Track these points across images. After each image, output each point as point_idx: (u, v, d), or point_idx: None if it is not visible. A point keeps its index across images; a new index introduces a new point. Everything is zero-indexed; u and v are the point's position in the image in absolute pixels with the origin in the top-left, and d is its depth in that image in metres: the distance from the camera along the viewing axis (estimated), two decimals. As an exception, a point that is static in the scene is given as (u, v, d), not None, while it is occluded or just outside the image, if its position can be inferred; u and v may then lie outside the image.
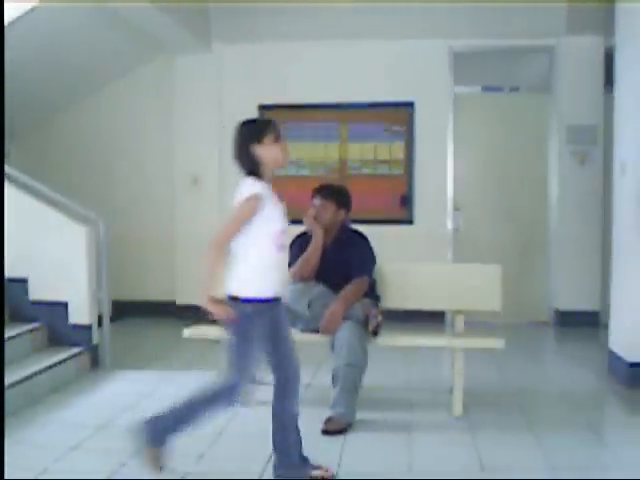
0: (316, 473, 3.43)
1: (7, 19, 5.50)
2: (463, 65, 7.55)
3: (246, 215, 3.20)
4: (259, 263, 3.22)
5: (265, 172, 3.28)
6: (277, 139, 3.28)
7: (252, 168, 3.29)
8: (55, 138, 8.02)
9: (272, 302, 3.27)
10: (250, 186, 3.22)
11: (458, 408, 4.41)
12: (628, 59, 5.31)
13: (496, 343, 4.36)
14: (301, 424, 4.19)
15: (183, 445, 3.90)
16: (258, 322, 3.23)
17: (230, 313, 3.17)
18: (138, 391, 4.98)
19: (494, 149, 7.65)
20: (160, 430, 3.29)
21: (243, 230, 3.21)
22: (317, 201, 4.51)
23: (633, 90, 5.18)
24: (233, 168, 8.26)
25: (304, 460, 3.44)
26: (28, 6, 5.69)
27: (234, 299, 3.21)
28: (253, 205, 3.17)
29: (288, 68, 7.67)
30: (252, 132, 3.34)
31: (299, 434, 3.45)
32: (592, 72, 7.32)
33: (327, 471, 3.46)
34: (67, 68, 7.18)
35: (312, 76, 7.63)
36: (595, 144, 7.31)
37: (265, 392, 4.92)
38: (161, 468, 3.29)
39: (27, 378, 4.63)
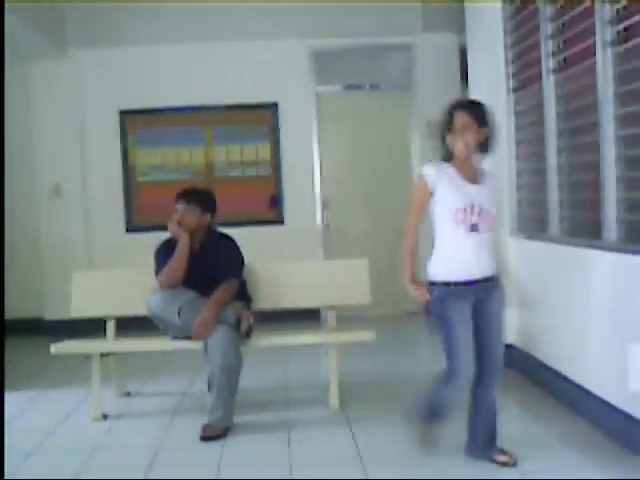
0: (501, 458, 3.45)
1: None
2: (324, 64, 7.66)
3: (415, 198, 3.39)
4: (444, 245, 3.34)
5: (455, 159, 3.31)
6: (451, 129, 3.29)
7: (443, 153, 3.35)
8: None
9: (466, 285, 3.28)
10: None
11: (334, 403, 4.47)
12: (478, 55, 5.55)
13: (367, 336, 4.43)
14: (178, 432, 4.17)
15: (57, 462, 3.80)
16: (451, 305, 3.27)
17: (426, 296, 3.31)
18: (8, 413, 4.76)
19: (358, 146, 7.79)
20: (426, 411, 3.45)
21: (429, 213, 3.35)
22: (181, 206, 4.44)
23: (484, 84, 5.41)
24: (98, 174, 8.09)
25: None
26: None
27: (430, 283, 3.33)
28: (418, 186, 3.38)
29: (148, 72, 7.55)
30: (443, 118, 3.37)
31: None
32: (449, 68, 7.58)
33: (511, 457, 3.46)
34: None
35: (173, 80, 7.54)
36: (455, 137, 7.55)
37: (140, 403, 4.87)
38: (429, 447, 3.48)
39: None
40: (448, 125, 3.29)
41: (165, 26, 7.43)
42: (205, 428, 4.03)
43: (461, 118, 3.27)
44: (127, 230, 7.66)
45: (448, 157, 3.33)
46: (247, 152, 7.63)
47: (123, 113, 7.55)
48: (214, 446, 3.91)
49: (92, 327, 5.24)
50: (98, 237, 7.57)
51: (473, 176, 3.33)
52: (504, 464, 3.42)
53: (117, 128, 7.60)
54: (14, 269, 7.62)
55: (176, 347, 4.43)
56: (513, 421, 4.15)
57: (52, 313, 7.42)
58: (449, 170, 3.30)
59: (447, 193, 3.27)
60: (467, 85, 6.08)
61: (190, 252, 4.37)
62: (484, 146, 3.32)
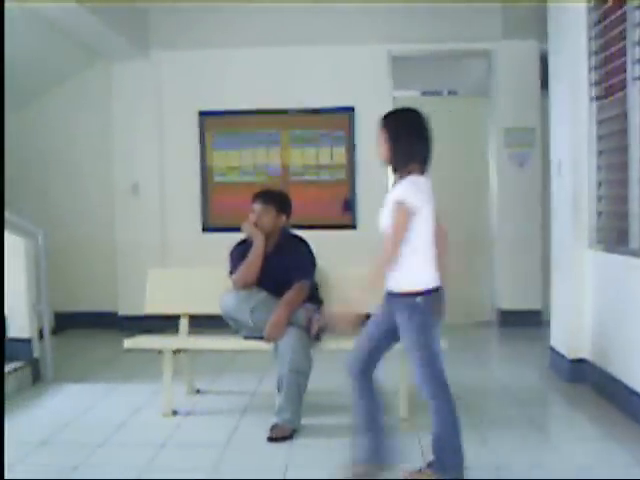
0: None
1: None
2: (402, 69, 7.61)
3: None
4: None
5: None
6: None
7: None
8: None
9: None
10: None
11: (404, 410, 4.43)
12: (560, 62, 5.43)
13: (439, 344, 4.37)
14: (246, 432, 4.19)
15: (125, 456, 3.86)
16: None
17: None
18: (80, 405, 4.89)
19: (434, 152, 7.68)
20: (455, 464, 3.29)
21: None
22: (257, 206, 4.49)
23: (566, 92, 5.29)
24: (175, 174, 8.22)
25: None
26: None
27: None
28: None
29: (228, 74, 7.64)
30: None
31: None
32: (529, 75, 7.46)
33: None
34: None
35: (252, 82, 7.61)
36: (533, 146, 7.44)
37: (209, 401, 4.92)
38: None
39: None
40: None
41: (245, 29, 7.50)
42: (273, 429, 4.05)
43: None
44: (203, 230, 7.75)
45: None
46: (323, 156, 7.64)
47: (202, 114, 7.65)
48: (281, 447, 3.92)
49: (163, 324, 5.34)
50: (174, 236, 7.68)
51: None
52: None
53: (196, 129, 7.70)
54: (91, 265, 7.83)
55: (247, 347, 4.45)
56: (584, 438, 4.05)
57: (125, 309, 7.57)
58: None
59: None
60: (547, 92, 5.97)
61: (264, 253, 4.41)
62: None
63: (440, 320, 3.30)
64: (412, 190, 3.25)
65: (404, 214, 3.20)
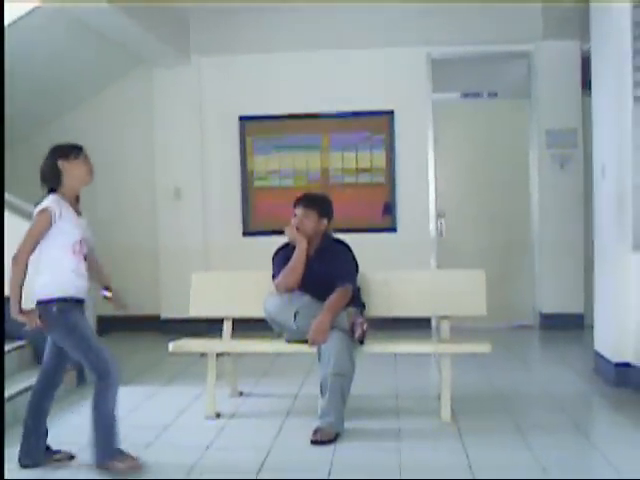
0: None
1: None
2: (442, 72, 7.60)
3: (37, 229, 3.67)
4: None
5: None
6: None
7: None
8: (37, 152, 7.92)
9: (73, 302, 3.73)
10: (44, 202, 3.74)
11: (446, 414, 4.41)
12: (603, 62, 5.37)
13: (482, 348, 4.35)
14: (289, 435, 4.21)
15: (170, 458, 3.89)
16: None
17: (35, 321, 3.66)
18: (125, 407, 4.86)
19: (475, 154, 7.69)
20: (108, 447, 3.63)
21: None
22: (299, 211, 4.51)
23: (609, 92, 5.23)
24: (216, 179, 8.28)
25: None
26: (5, 23, 5.67)
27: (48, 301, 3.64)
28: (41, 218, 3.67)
29: (268, 79, 7.68)
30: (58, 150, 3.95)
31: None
32: (570, 76, 7.40)
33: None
34: (47, 83, 7.15)
35: (292, 87, 7.65)
36: (575, 147, 7.38)
37: (252, 404, 4.95)
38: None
39: (12, 397, 4.53)
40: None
41: (284, 34, 7.55)
42: (316, 432, 4.05)
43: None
44: (244, 234, 7.80)
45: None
46: (362, 159, 7.66)
47: (242, 119, 7.70)
48: (325, 451, 3.92)
49: (204, 327, 5.38)
50: (215, 240, 7.75)
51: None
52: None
53: (236, 134, 7.76)
54: (134, 268, 7.91)
55: (290, 350, 4.47)
56: (630, 443, 3.99)
57: (167, 312, 7.65)
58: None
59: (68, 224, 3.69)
60: (588, 92, 5.90)
61: (307, 257, 4.43)
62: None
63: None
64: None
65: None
